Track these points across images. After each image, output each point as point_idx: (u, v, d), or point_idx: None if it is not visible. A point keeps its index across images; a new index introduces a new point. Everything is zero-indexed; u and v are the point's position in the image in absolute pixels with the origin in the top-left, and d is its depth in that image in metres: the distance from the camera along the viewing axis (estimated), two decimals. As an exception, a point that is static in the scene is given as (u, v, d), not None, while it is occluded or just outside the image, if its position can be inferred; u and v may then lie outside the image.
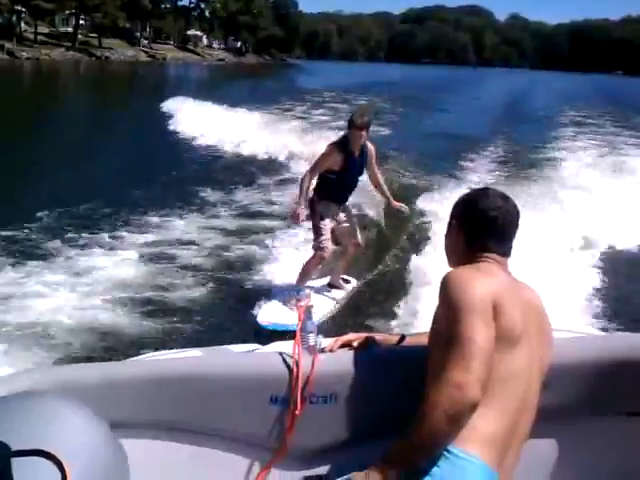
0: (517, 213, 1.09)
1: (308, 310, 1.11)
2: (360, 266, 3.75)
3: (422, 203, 5.00)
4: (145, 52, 49.97)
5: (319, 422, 1.07)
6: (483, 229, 1.06)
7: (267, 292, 3.33)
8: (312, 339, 1.10)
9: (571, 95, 23.50)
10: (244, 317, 3.12)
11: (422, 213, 4.75)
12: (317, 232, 3.12)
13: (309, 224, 3.27)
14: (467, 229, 1.07)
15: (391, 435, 0.95)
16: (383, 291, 3.52)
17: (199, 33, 63.39)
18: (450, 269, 1.07)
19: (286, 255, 3.96)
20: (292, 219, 3.26)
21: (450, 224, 1.12)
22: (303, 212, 3.06)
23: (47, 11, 42.26)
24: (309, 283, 3.23)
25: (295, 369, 1.05)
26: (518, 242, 1.10)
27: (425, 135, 10.54)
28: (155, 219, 4.84)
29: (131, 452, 0.96)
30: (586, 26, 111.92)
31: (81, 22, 46.53)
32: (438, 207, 4.43)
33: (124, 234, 4.42)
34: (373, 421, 1.10)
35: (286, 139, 8.11)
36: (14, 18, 41.43)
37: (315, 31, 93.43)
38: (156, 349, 2.08)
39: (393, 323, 2.97)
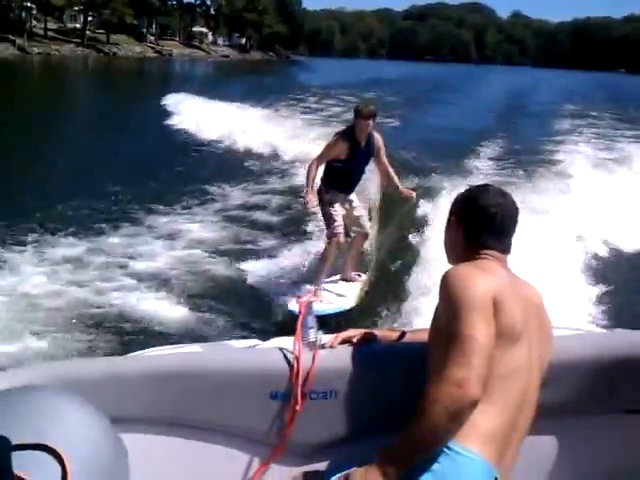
0: (516, 209, 1.07)
1: (308, 306, 1.09)
2: (360, 263, 3.72)
3: (421, 200, 4.96)
4: (152, 48, 49.90)
5: (319, 418, 1.06)
6: (482, 225, 1.04)
7: (269, 287, 3.30)
8: (312, 335, 1.09)
9: (572, 92, 23.28)
10: (245, 312, 3.11)
11: (421, 209, 4.72)
12: (329, 219, 3.11)
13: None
14: (466, 226, 1.06)
15: (391, 431, 0.94)
16: (383, 288, 3.50)
17: (204, 30, 63.07)
18: (450, 266, 1.06)
19: (288, 249, 3.95)
20: (303, 206, 3.28)
21: (449, 221, 1.10)
22: (312, 198, 3.06)
23: (56, 7, 42.11)
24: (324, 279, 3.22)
25: (295, 365, 1.04)
26: (518, 239, 1.09)
27: (425, 132, 10.47)
28: (155, 215, 4.79)
29: (131, 447, 0.95)
30: (588, 24, 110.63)
31: (89, 18, 46.35)
32: (438, 203, 4.39)
33: (121, 231, 4.36)
34: (373, 417, 1.09)
35: (288, 135, 8.07)
36: (24, 14, 41.32)
37: (318, 28, 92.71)
38: (157, 344, 2.07)
39: (393, 320, 2.96)
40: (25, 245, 3.93)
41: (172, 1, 57.28)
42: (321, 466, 1.07)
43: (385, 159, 3.26)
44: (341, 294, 3.18)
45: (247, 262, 3.77)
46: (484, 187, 1.10)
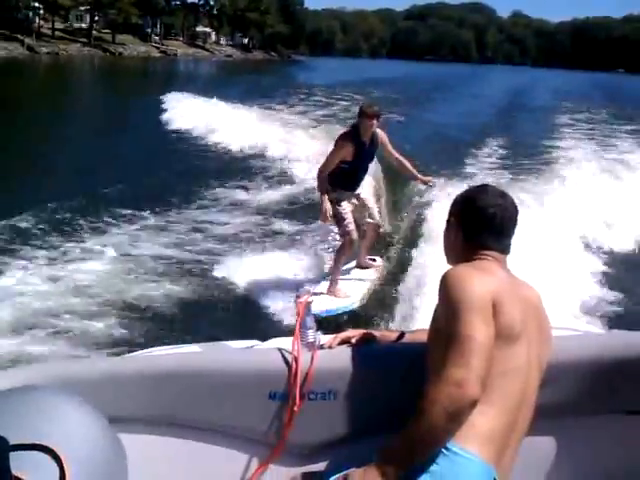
0: (515, 210, 1.06)
1: (307, 306, 1.07)
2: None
3: (421, 200, 4.92)
4: (156, 48, 49.80)
5: (318, 418, 1.05)
6: (482, 226, 1.03)
7: (268, 287, 3.25)
8: (311, 335, 1.08)
9: (570, 92, 23.11)
10: (243, 313, 3.08)
11: (421, 210, 4.68)
12: (339, 219, 3.10)
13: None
14: (466, 226, 1.05)
15: (390, 432, 0.92)
16: (383, 288, 3.46)
17: (207, 29, 62.84)
18: (449, 267, 1.04)
19: (288, 248, 3.92)
20: (320, 218, 3.23)
21: (449, 221, 1.09)
22: (329, 207, 3.04)
23: (62, 7, 42.03)
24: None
25: (294, 365, 1.03)
26: (518, 240, 1.07)
27: (425, 132, 10.41)
28: (152, 215, 4.73)
29: (129, 447, 0.94)
30: (588, 24, 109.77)
31: (95, 18, 46.24)
32: (437, 204, 4.35)
33: (119, 229, 4.32)
34: (372, 418, 1.08)
35: (289, 134, 8.03)
36: (31, 14, 41.24)
37: (319, 28, 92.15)
38: (155, 345, 2.06)
39: (392, 320, 2.93)
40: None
41: (176, 1, 57.08)
42: (320, 466, 1.06)
43: (393, 150, 3.23)
44: (354, 287, 3.18)
45: (246, 262, 3.72)
46: (483, 187, 1.09)
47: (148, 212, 4.80)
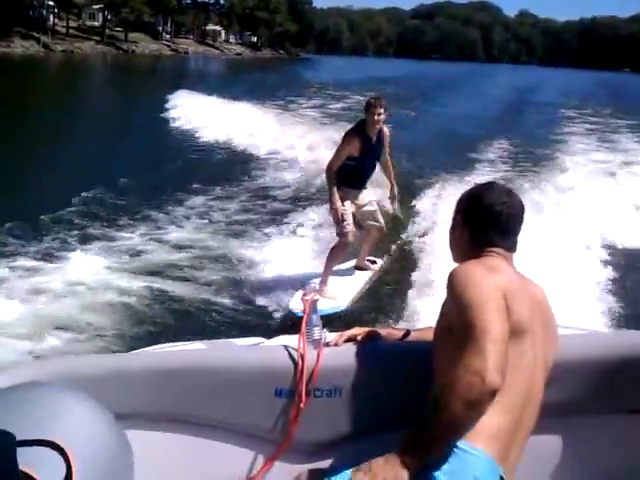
0: (522, 208, 1.04)
1: (313, 304, 1.06)
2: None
3: (426, 197, 4.86)
4: (168, 46, 49.78)
5: (323, 415, 1.04)
6: (488, 224, 1.01)
7: (274, 284, 3.23)
8: (317, 333, 1.06)
9: (576, 90, 22.73)
10: (249, 310, 3.05)
11: (425, 208, 4.63)
12: (339, 218, 3.04)
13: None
14: (472, 224, 1.03)
15: (395, 429, 0.91)
16: (388, 286, 3.40)
17: (217, 28, 62.65)
18: (456, 264, 1.02)
19: (292, 246, 3.85)
20: (330, 212, 3.15)
21: (455, 219, 1.07)
22: (339, 204, 2.99)
23: (75, 5, 42.10)
24: (336, 267, 3.17)
25: (300, 362, 1.02)
26: (524, 238, 1.05)
27: (431, 129, 10.31)
28: (157, 212, 4.68)
29: (136, 443, 0.93)
30: (595, 23, 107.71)
31: (107, 16, 46.28)
32: (442, 202, 4.30)
33: (123, 228, 4.23)
34: (377, 415, 1.07)
35: (295, 132, 7.95)
36: (45, 12, 41.40)
37: (326, 26, 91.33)
38: (161, 342, 2.04)
39: (398, 318, 2.88)
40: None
41: (187, 0, 56.93)
42: (325, 463, 1.05)
43: (388, 154, 3.19)
44: (343, 290, 3.11)
45: (252, 259, 3.69)
46: (489, 185, 1.07)
47: (149, 213, 4.73)
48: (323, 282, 3.06)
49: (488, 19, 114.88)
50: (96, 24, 46.39)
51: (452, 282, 0.95)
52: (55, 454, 0.75)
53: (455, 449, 0.87)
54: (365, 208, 3.17)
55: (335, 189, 2.99)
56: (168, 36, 52.89)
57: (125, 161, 6.77)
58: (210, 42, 58.41)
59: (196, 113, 9.87)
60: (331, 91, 15.34)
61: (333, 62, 50.43)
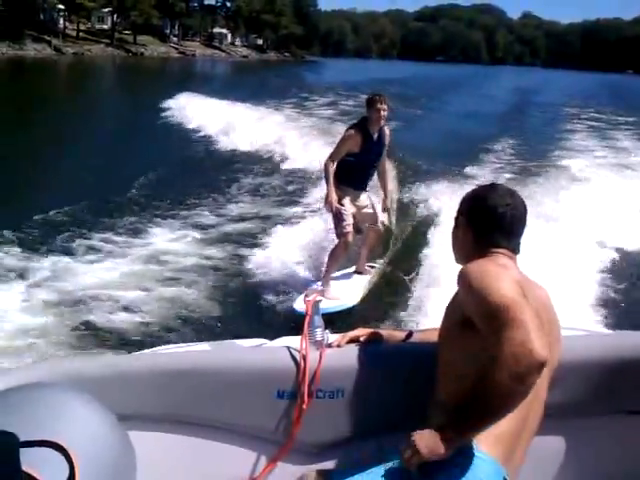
0: (525, 209, 1.03)
1: (316, 305, 1.04)
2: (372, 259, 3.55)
3: (429, 199, 4.81)
4: (175, 48, 50.03)
5: (325, 417, 1.03)
6: (492, 225, 1.00)
7: (276, 285, 3.17)
8: (319, 334, 1.05)
9: (580, 92, 22.52)
10: (252, 311, 3.01)
11: (428, 209, 4.54)
12: (338, 218, 3.00)
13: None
14: (475, 225, 1.01)
15: (397, 430, 0.90)
16: (390, 287, 3.36)
17: (224, 31, 62.81)
18: (458, 267, 1.00)
19: (295, 247, 3.70)
20: (325, 206, 3.12)
21: (457, 220, 1.05)
22: (335, 197, 2.96)
23: (84, 8, 42.41)
24: (336, 273, 3.13)
25: (302, 364, 1.00)
26: (527, 240, 1.04)
27: (436, 128, 10.26)
28: (157, 215, 4.57)
29: (138, 444, 0.93)
30: (598, 25, 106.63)
31: (116, 19, 46.62)
32: (445, 203, 4.25)
33: (126, 231, 4.15)
34: (379, 416, 1.06)
35: (297, 133, 7.94)
36: (55, 15, 41.75)
37: (330, 29, 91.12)
38: (164, 343, 2.02)
39: (400, 319, 2.86)
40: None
41: (194, 3, 57.05)
42: (328, 465, 1.04)
43: (385, 158, 3.12)
44: (346, 291, 3.06)
45: (254, 260, 3.63)
46: (492, 186, 1.05)
47: (149, 212, 4.65)
48: (325, 283, 3.03)
49: (492, 21, 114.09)
50: (105, 27, 46.74)
51: (468, 278, 0.91)
52: (58, 455, 0.75)
53: (459, 451, 0.86)
54: (365, 210, 3.12)
55: (332, 181, 2.93)
56: (176, 39, 53.17)
57: (128, 162, 6.77)
58: (217, 45, 58.58)
59: (201, 114, 9.83)
60: (338, 92, 15.28)
61: (338, 64, 50.23)
